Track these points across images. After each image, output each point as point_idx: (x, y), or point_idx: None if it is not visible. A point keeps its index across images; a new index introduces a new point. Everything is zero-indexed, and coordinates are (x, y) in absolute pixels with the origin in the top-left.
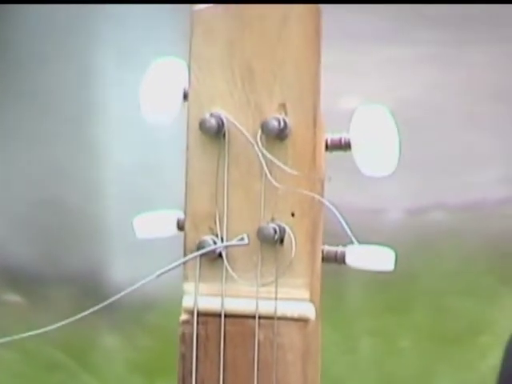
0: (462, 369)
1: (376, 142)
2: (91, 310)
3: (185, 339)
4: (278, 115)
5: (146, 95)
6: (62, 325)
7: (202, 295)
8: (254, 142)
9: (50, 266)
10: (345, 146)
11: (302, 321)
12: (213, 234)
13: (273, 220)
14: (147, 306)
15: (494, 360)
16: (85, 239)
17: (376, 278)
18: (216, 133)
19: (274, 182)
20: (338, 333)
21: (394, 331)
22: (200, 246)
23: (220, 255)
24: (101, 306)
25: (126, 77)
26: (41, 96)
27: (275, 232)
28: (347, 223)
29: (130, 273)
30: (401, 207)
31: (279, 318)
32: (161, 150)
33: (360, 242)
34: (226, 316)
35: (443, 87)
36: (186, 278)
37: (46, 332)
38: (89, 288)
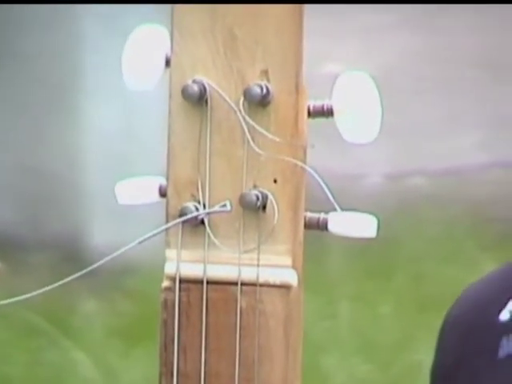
0: None
1: (358, 108)
2: (72, 276)
3: (167, 306)
4: (260, 82)
5: (127, 62)
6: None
7: (184, 262)
8: (236, 109)
9: (30, 231)
10: (327, 112)
11: (284, 287)
12: (195, 200)
13: (255, 187)
14: (128, 271)
15: None
16: (66, 205)
17: (356, 244)
18: (198, 99)
19: (257, 149)
20: (317, 298)
21: (375, 297)
22: (182, 213)
23: (202, 222)
24: (82, 273)
25: (110, 44)
26: (24, 62)
27: (257, 199)
28: (329, 190)
29: (110, 238)
30: (381, 173)
31: (261, 285)
32: (143, 117)
33: (342, 209)
34: (208, 283)
35: (423, 53)
36: (168, 245)
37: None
38: (69, 253)
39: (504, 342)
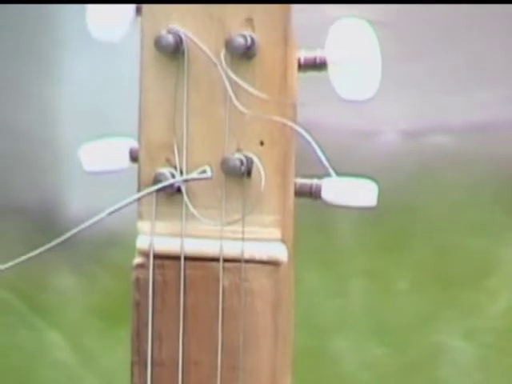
0: (468, 314)
1: (355, 60)
2: (43, 248)
3: (139, 285)
4: (244, 31)
5: (92, 9)
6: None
7: (158, 235)
8: (216, 62)
9: None
10: (320, 65)
11: (273, 264)
12: (171, 166)
13: (239, 150)
14: (109, 242)
15: (504, 303)
16: (38, 166)
17: (368, 213)
18: (173, 51)
19: (240, 107)
20: (325, 275)
21: (390, 272)
22: (156, 180)
23: (179, 190)
24: (54, 243)
25: None
26: None
27: (241, 163)
28: (324, 152)
29: (88, 205)
30: (397, 130)
31: (246, 261)
32: (124, 70)
33: (338, 174)
34: (186, 259)
35: None
36: (140, 216)
37: None
38: (42, 221)
39: None
